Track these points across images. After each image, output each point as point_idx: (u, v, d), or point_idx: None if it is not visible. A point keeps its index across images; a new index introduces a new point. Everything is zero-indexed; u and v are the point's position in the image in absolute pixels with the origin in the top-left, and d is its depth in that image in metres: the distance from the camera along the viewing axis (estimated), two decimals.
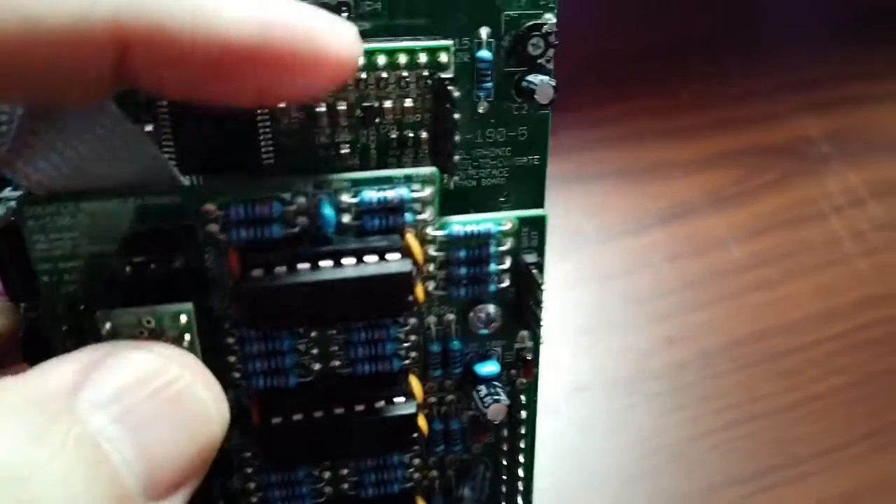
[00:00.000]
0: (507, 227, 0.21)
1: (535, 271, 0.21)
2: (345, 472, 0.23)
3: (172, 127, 0.19)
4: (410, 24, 0.20)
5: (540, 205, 0.24)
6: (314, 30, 0.15)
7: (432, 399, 0.23)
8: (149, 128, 0.19)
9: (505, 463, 0.24)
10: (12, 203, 0.18)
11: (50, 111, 0.17)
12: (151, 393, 0.15)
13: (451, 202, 0.21)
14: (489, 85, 0.22)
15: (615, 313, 0.47)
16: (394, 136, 0.21)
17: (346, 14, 0.20)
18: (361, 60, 0.19)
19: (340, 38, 0.16)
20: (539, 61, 0.22)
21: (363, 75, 0.20)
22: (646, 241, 0.51)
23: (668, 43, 0.63)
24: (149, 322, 0.17)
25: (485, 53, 0.21)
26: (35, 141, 0.17)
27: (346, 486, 0.23)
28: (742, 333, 0.47)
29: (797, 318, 0.48)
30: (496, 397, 0.21)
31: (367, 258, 0.18)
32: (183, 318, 0.17)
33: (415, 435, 0.21)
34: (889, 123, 0.61)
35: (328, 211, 0.18)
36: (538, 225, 0.21)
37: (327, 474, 0.23)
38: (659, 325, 0.47)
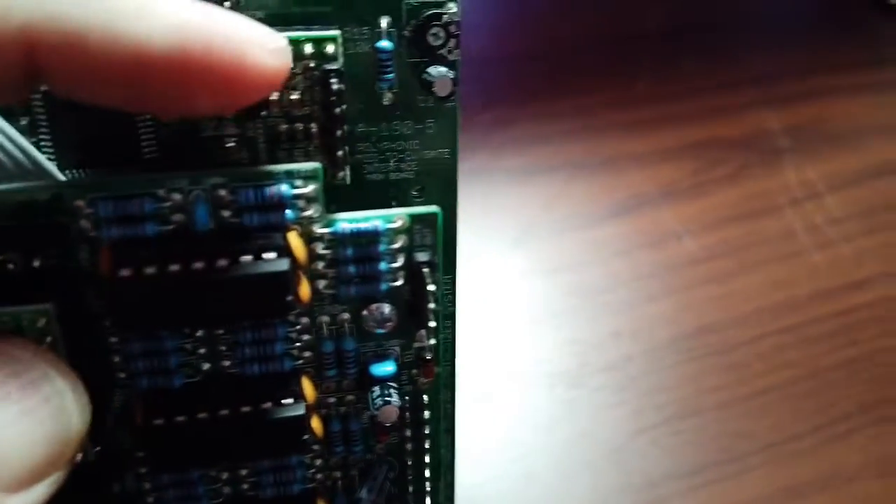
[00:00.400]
0: (398, 224, 0.20)
1: (425, 270, 0.20)
2: (243, 472, 0.22)
3: (49, 120, 0.19)
4: (306, 12, 0.20)
5: (452, 199, 0.24)
6: (240, 43, 0.15)
7: (331, 399, 0.22)
8: (23, 121, 0.19)
9: (410, 463, 0.24)
10: None
11: None
12: (1, 376, 0.15)
13: (356, 197, 0.21)
14: (391, 76, 0.21)
15: (563, 306, 0.47)
16: (282, 128, 0.20)
17: (228, 4, 0.19)
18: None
19: (268, 54, 0.16)
20: (440, 52, 0.21)
21: None
22: (598, 233, 0.51)
23: (622, 35, 0.62)
24: (4, 323, 0.16)
25: (385, 44, 0.21)
26: None
27: (245, 486, 0.22)
28: (691, 327, 0.47)
29: (748, 312, 0.48)
30: (387, 398, 0.21)
31: (241, 258, 0.18)
32: (42, 321, 0.16)
33: (305, 437, 0.20)
34: (846, 116, 0.61)
35: (202, 209, 0.18)
36: (430, 222, 0.21)
37: (225, 475, 0.22)
38: (607, 318, 0.47)
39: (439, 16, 0.21)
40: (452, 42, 0.21)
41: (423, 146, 0.22)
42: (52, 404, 0.16)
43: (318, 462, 0.23)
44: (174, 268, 0.18)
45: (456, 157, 0.24)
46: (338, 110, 0.19)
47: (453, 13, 0.21)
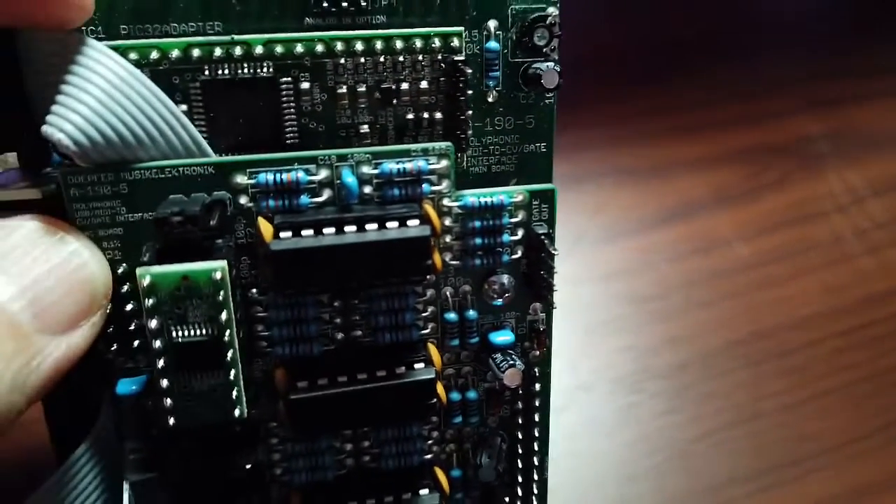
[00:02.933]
0: (519, 198, 0.23)
1: (546, 241, 0.23)
2: (366, 444, 0.24)
3: (205, 107, 0.21)
4: (424, 18, 0.23)
5: None
6: None
7: (450, 370, 0.24)
8: (183, 107, 0.21)
9: (520, 436, 0.26)
10: (56, 174, 0.20)
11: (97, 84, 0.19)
12: (27, 244, 0.18)
13: (462, 187, 0.23)
14: (497, 74, 0.24)
15: (617, 313, 0.49)
16: (410, 116, 0.23)
17: (365, 5, 0.22)
18: (380, 45, 0.22)
19: None
20: (544, 51, 0.24)
21: (381, 59, 0.22)
22: (649, 240, 0.53)
23: (662, 41, 0.65)
24: (185, 278, 0.19)
25: (493, 44, 0.23)
26: (80, 109, 0.19)
27: (367, 458, 0.24)
28: (746, 332, 0.49)
29: (803, 316, 0.50)
30: (511, 362, 0.23)
31: (388, 224, 0.20)
32: (217, 275, 0.19)
33: (433, 401, 0.23)
34: (882, 120, 0.63)
35: (350, 180, 0.21)
36: (548, 197, 0.23)
37: (349, 446, 0.24)
38: (661, 324, 0.49)
39: (543, 18, 0.24)
40: (555, 42, 0.24)
41: (522, 140, 0.25)
42: (74, 259, 0.19)
43: (435, 434, 0.25)
44: (329, 231, 0.20)
45: (552, 150, 0.26)
46: (470, 92, 0.21)
47: (555, 15, 0.24)
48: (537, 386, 0.25)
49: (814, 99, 0.63)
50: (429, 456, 0.25)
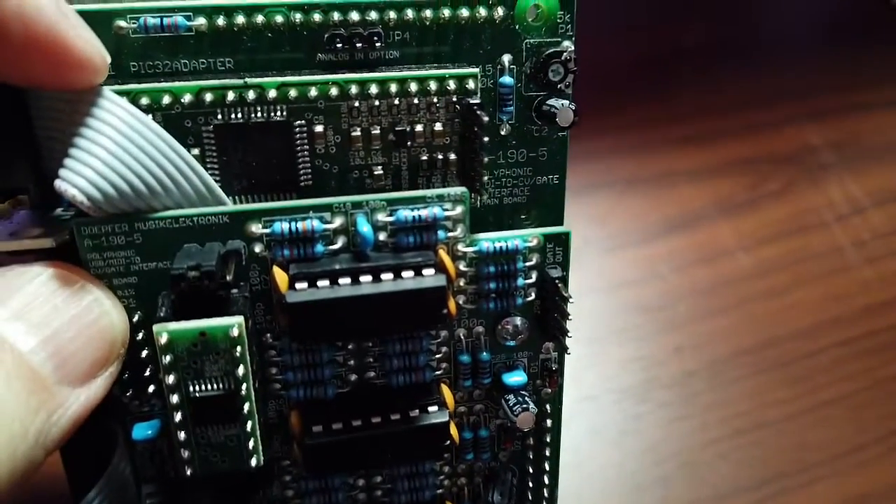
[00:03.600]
0: (534, 242, 0.22)
1: (560, 285, 0.22)
2: (378, 479, 0.24)
3: (217, 151, 0.21)
4: (437, 49, 0.22)
5: (560, 222, 0.25)
6: (64, 30, 0.17)
7: (462, 409, 0.24)
8: (195, 152, 0.20)
9: (531, 470, 0.25)
10: (67, 220, 0.19)
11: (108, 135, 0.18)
12: (48, 292, 0.18)
13: (474, 220, 0.22)
14: (511, 109, 0.23)
15: (624, 323, 0.49)
16: (424, 157, 0.22)
17: (378, 43, 0.21)
18: (394, 88, 0.21)
19: (83, 42, 0.18)
20: (559, 86, 0.23)
21: (396, 101, 0.21)
22: (653, 250, 0.53)
23: (663, 52, 0.64)
24: (202, 334, 0.18)
25: (507, 79, 0.22)
26: (91, 163, 0.18)
27: (379, 492, 0.24)
28: (751, 341, 0.48)
29: (806, 326, 0.49)
30: (524, 406, 0.22)
31: (404, 273, 0.20)
32: (234, 332, 0.18)
33: (447, 443, 0.22)
34: (883, 131, 0.62)
35: (366, 229, 0.20)
36: (562, 241, 0.22)
37: (361, 482, 0.24)
38: (668, 334, 0.48)
39: (559, 53, 0.23)
40: (570, 77, 0.23)
41: (534, 172, 0.24)
42: (95, 309, 0.18)
43: (447, 469, 0.24)
44: (345, 281, 0.19)
45: (564, 182, 0.26)
46: (485, 139, 0.20)
47: (571, 51, 0.23)
48: (549, 422, 0.24)
49: (815, 109, 0.62)
50: (440, 491, 0.24)
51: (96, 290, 0.19)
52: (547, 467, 0.25)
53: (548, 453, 0.25)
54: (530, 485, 0.25)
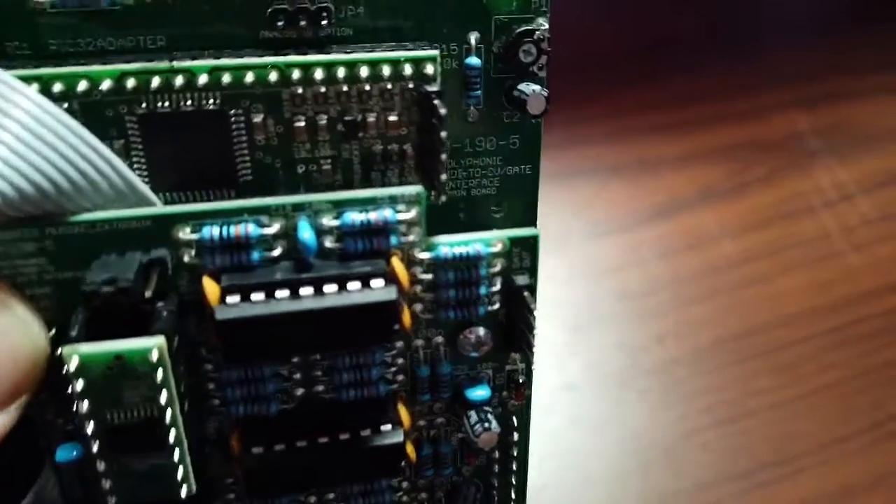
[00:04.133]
0: (498, 248, 0.19)
1: (526, 294, 0.19)
2: (331, 496, 0.22)
3: (143, 144, 0.18)
4: (395, 26, 0.19)
5: (533, 216, 0.23)
6: None
7: (421, 422, 0.21)
8: (118, 144, 0.18)
9: (496, 484, 0.23)
10: None
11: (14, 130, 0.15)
12: None
13: (438, 213, 0.20)
14: (478, 93, 0.20)
15: (606, 310, 0.46)
16: (378, 149, 0.19)
17: (326, 21, 0.18)
18: (342, 73, 0.18)
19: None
20: (531, 69, 0.20)
21: (345, 88, 0.18)
22: (637, 237, 0.50)
23: (653, 39, 0.61)
24: (118, 357, 0.15)
25: (474, 60, 0.20)
26: None
27: None
28: (735, 329, 0.46)
29: (791, 314, 0.47)
30: (486, 424, 0.20)
31: (349, 285, 0.17)
32: (154, 355, 0.16)
33: (402, 463, 0.20)
34: (872, 118, 0.60)
35: (308, 235, 0.17)
36: (530, 245, 0.20)
37: (313, 499, 0.21)
38: (650, 321, 0.46)
39: (531, 32, 0.20)
40: (543, 59, 0.20)
41: (505, 162, 0.21)
42: (15, 331, 0.16)
43: (406, 485, 0.22)
44: (282, 295, 0.17)
45: (538, 173, 0.23)
46: (443, 134, 0.18)
47: (544, 29, 0.20)
48: (515, 436, 0.22)
49: (802, 96, 0.60)
50: None
51: (17, 307, 0.16)
52: (514, 481, 0.23)
53: (514, 467, 0.23)
54: (496, 498, 0.23)
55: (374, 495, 0.22)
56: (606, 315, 0.46)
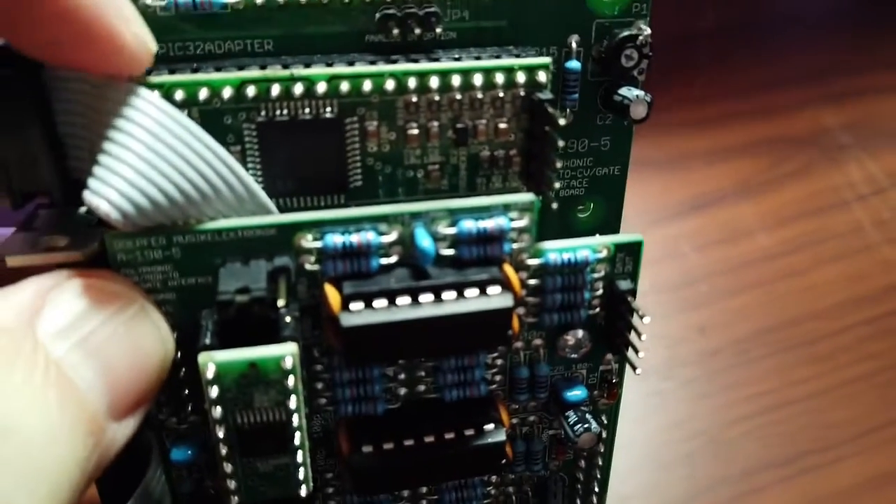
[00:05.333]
0: (604, 253, 0.19)
1: (630, 298, 0.19)
2: (424, 490, 0.21)
3: (260, 149, 0.18)
4: (497, 28, 0.19)
5: (618, 215, 0.22)
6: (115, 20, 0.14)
7: (515, 420, 0.21)
8: (235, 149, 0.17)
9: (581, 478, 0.23)
10: (95, 226, 0.16)
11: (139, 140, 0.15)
12: (106, 318, 0.15)
13: None
14: (575, 96, 0.20)
15: (645, 302, 0.46)
16: (485, 155, 0.19)
17: (434, 25, 0.18)
18: (457, 81, 0.18)
19: (131, 35, 0.15)
20: (631, 73, 0.20)
21: (458, 95, 0.18)
22: (673, 230, 0.50)
23: (678, 34, 0.60)
24: (253, 366, 0.15)
25: (574, 63, 0.19)
26: (123, 172, 0.15)
27: (425, 503, 0.22)
28: (774, 320, 0.45)
29: (828, 305, 0.46)
30: (586, 426, 0.20)
31: (467, 292, 0.17)
32: (287, 362, 0.15)
33: (503, 461, 0.19)
34: None
35: (427, 244, 0.17)
36: (634, 251, 0.19)
37: (407, 492, 0.21)
38: (690, 313, 0.46)
39: (634, 37, 0.19)
40: (644, 63, 0.20)
41: (595, 163, 0.21)
42: (151, 337, 0.16)
43: (496, 479, 0.22)
44: (403, 302, 0.16)
45: (626, 174, 0.23)
46: (560, 143, 0.17)
47: (647, 34, 0.19)
48: (604, 434, 0.22)
49: (833, 91, 0.59)
50: (487, 501, 0.22)
51: (153, 314, 0.16)
52: (598, 475, 0.23)
53: (600, 462, 0.22)
54: (580, 491, 0.23)
55: (466, 489, 0.21)
56: (645, 307, 0.46)
